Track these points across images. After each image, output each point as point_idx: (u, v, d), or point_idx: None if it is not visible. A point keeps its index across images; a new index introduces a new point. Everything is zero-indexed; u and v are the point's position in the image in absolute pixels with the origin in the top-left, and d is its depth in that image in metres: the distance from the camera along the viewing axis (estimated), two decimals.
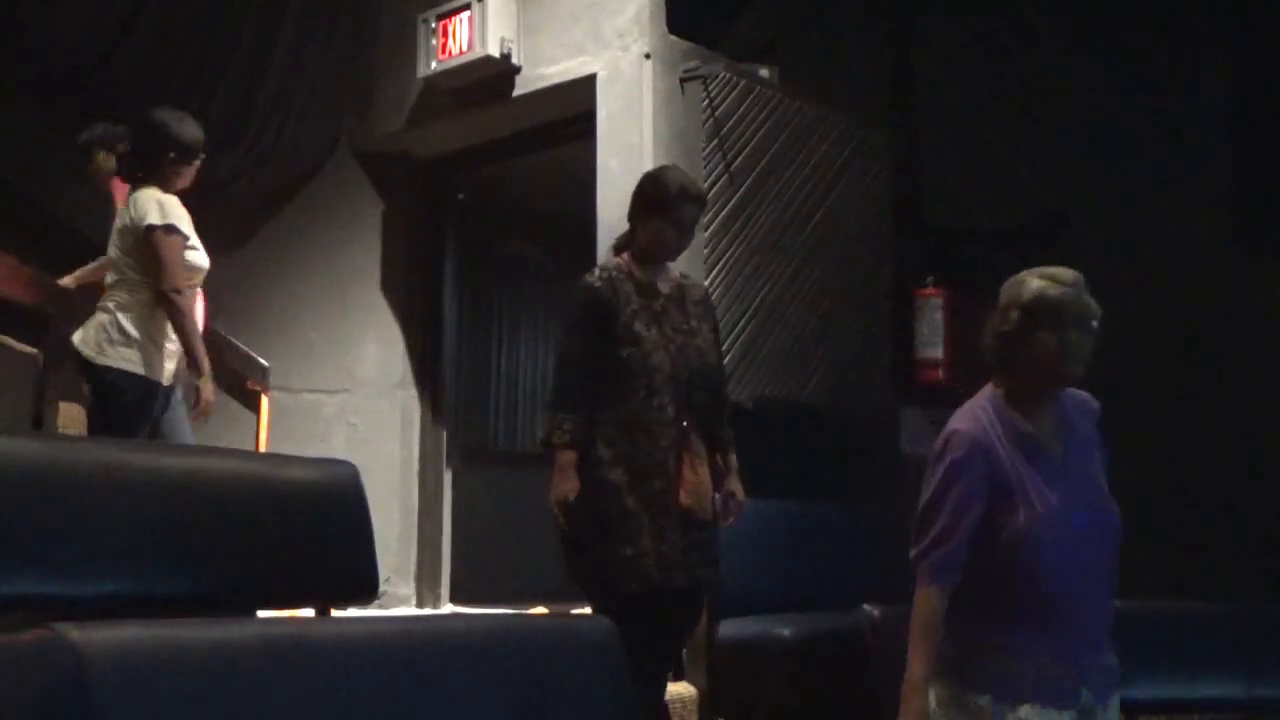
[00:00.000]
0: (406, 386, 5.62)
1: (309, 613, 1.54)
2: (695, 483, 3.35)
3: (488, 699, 1.30)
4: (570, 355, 3.40)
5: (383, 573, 3.13)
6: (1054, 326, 2.38)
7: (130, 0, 5.18)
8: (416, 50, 5.19)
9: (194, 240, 4.03)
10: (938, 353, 5.32)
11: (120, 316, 3.89)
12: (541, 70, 4.98)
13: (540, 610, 4.41)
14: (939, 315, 5.31)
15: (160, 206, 3.93)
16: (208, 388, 3.93)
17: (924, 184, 5.62)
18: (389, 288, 5.66)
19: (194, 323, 3.98)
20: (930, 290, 5.35)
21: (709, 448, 3.45)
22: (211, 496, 1.40)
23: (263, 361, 5.46)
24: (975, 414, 2.46)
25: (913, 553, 2.40)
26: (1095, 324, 2.40)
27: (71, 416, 4.90)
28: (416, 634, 1.35)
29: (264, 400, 5.49)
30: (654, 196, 3.43)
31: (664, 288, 3.46)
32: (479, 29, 4.94)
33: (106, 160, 4.74)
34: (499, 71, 5.03)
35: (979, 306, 5.67)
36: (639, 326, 3.36)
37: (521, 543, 6.27)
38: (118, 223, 4.04)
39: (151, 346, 3.91)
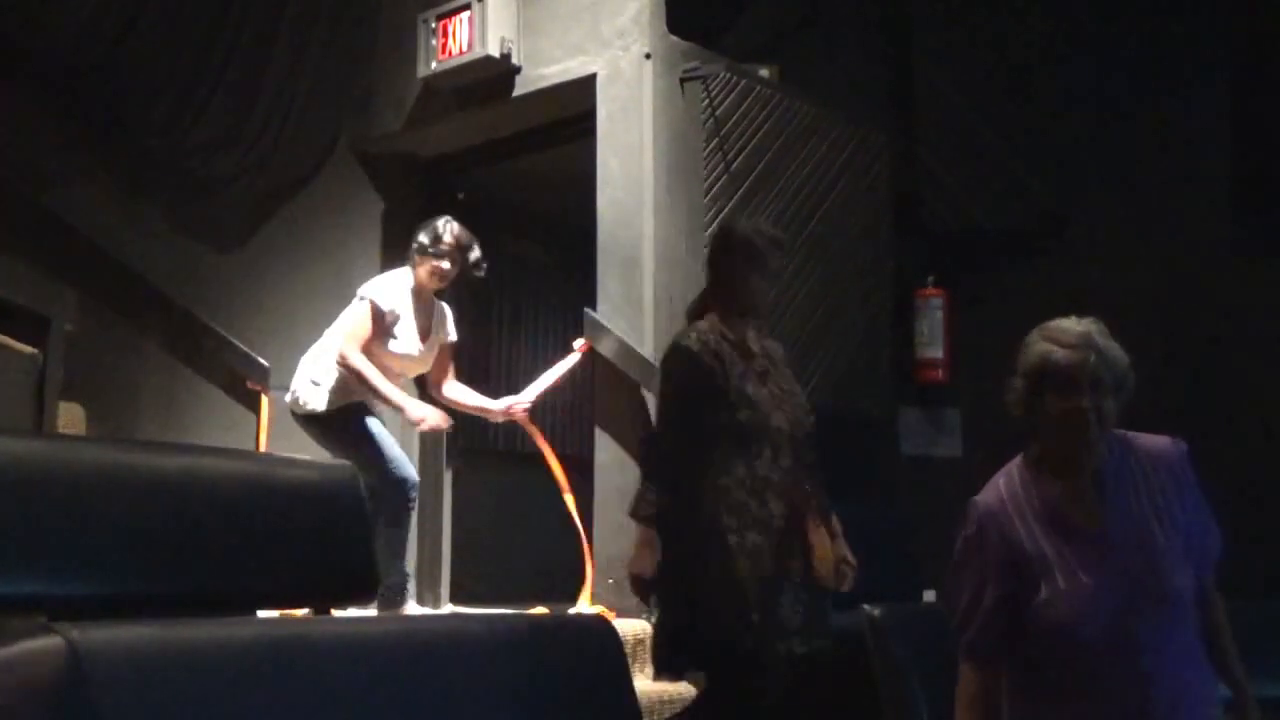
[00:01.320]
0: (406, 386, 5.62)
1: (309, 613, 1.55)
2: (825, 550, 3.18)
3: (488, 699, 1.30)
4: (668, 424, 3.21)
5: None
6: (1059, 393, 2.22)
7: (131, 1, 5.18)
8: (416, 50, 5.19)
9: (403, 329, 4.40)
10: (938, 353, 5.32)
11: (319, 375, 4.39)
12: (541, 70, 4.98)
13: (540, 610, 4.40)
14: (939, 315, 5.32)
15: (377, 283, 4.45)
16: (410, 416, 4.33)
17: (924, 184, 5.62)
18: None
19: (370, 378, 4.27)
20: (930, 290, 5.35)
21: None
22: (211, 496, 1.40)
23: (263, 361, 5.46)
24: (997, 484, 2.34)
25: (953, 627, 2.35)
26: (1113, 379, 2.24)
27: (71, 417, 4.90)
28: (416, 634, 1.35)
29: (264, 400, 5.49)
30: (746, 251, 3.28)
31: (755, 347, 3.31)
32: (479, 29, 4.95)
33: None
34: (499, 71, 5.03)
35: (979, 306, 5.72)
36: (751, 389, 3.19)
37: (521, 543, 6.27)
38: None
39: (342, 390, 4.33)
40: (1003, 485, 2.33)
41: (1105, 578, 2.20)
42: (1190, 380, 4.75)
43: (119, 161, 5.40)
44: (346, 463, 1.61)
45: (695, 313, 3.39)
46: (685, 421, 3.17)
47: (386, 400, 4.29)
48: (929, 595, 4.68)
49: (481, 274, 4.55)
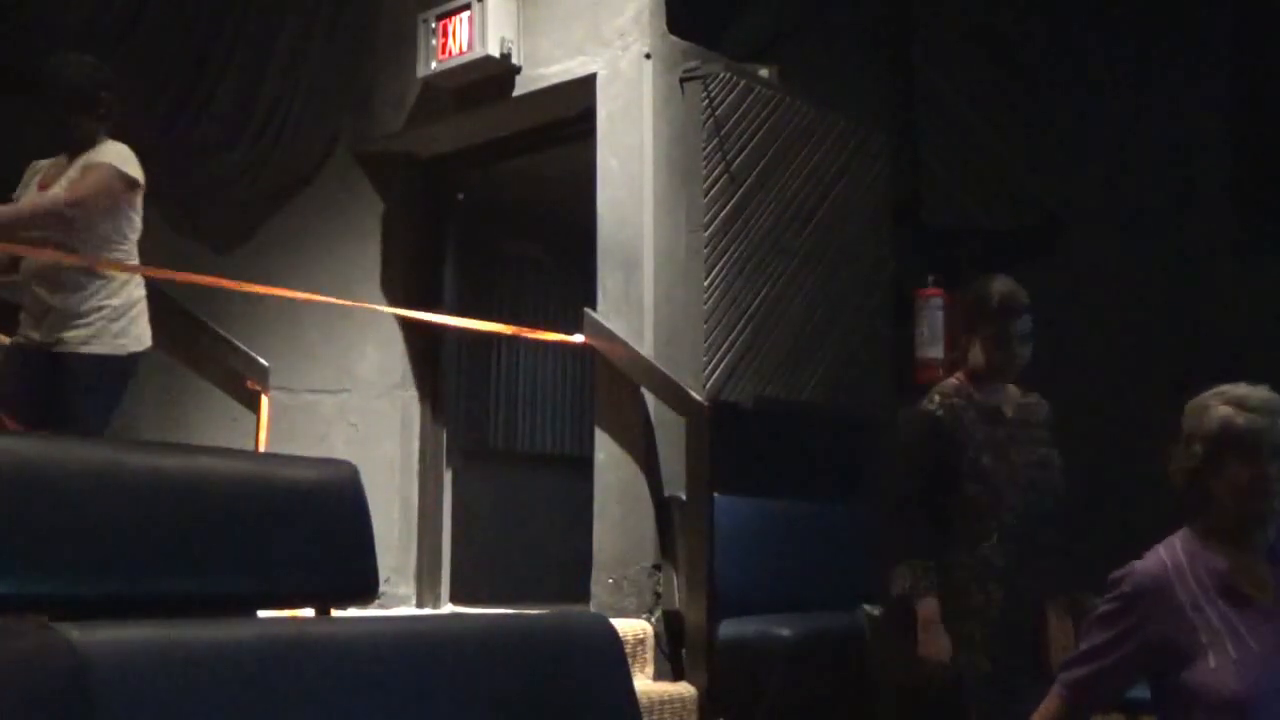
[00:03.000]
0: (406, 386, 5.62)
1: (309, 613, 1.55)
2: (1065, 643, 2.96)
3: (488, 699, 1.30)
4: (910, 494, 3.02)
5: (383, 573, 3.13)
6: (1247, 459, 2.16)
7: (131, 1, 5.18)
8: (416, 50, 5.19)
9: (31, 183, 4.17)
10: (938, 353, 5.31)
11: None
12: (541, 70, 4.98)
13: (540, 610, 4.41)
14: (939, 315, 5.31)
15: None
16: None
17: (924, 184, 5.62)
18: (389, 288, 5.66)
19: None
20: (930, 290, 5.35)
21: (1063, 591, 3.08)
22: (211, 496, 1.40)
23: (263, 361, 5.45)
24: (1159, 553, 2.26)
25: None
26: None
27: None
28: (416, 634, 1.35)
29: (264, 400, 5.48)
30: (977, 310, 3.16)
31: (1008, 410, 3.12)
32: (479, 29, 4.95)
33: None
34: (499, 71, 5.03)
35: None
36: (986, 460, 3.01)
37: (521, 543, 6.27)
38: None
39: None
40: (1165, 554, 2.26)
41: (1275, 649, 2.13)
42: (1190, 380, 4.75)
43: None
44: (347, 462, 1.61)
45: (948, 368, 3.25)
46: (921, 493, 3.00)
47: None
48: None
49: (84, 97, 4.10)
